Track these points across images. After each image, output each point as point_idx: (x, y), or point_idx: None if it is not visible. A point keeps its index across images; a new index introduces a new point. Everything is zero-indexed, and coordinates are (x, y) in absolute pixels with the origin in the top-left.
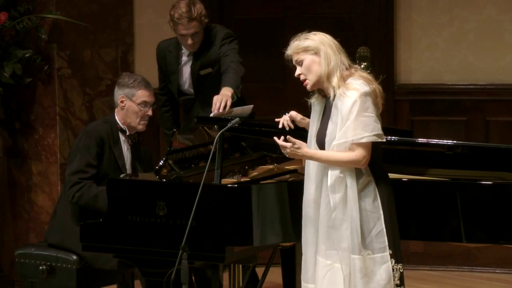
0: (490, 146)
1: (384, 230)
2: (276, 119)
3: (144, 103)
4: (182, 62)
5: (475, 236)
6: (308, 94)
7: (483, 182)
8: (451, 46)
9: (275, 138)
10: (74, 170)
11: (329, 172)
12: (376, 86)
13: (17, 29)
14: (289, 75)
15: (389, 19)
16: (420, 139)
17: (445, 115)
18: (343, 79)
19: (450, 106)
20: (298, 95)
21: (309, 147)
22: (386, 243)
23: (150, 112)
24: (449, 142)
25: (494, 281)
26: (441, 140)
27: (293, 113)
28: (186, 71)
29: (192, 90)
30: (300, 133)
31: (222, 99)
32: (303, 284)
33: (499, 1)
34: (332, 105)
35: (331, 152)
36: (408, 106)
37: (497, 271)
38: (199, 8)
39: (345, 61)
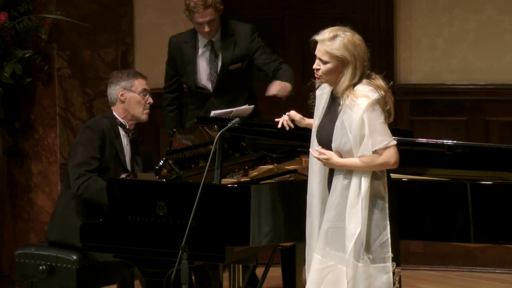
0: (490, 146)
1: (389, 240)
2: (276, 119)
3: (145, 91)
4: (199, 53)
5: (475, 236)
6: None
7: (483, 182)
8: (451, 46)
9: (311, 150)
10: (78, 162)
11: (362, 177)
12: (385, 92)
13: (17, 29)
14: None
15: (389, 19)
16: (420, 139)
17: (445, 115)
18: (353, 86)
19: (450, 106)
20: (297, 95)
21: (312, 142)
22: (390, 253)
23: (151, 100)
24: (449, 142)
25: (494, 281)
26: (441, 140)
27: (292, 112)
28: (203, 63)
29: (208, 85)
30: (300, 132)
31: (283, 87)
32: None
33: (499, 1)
34: (339, 107)
35: (359, 161)
36: (408, 106)
37: (497, 271)
38: None
39: (364, 72)
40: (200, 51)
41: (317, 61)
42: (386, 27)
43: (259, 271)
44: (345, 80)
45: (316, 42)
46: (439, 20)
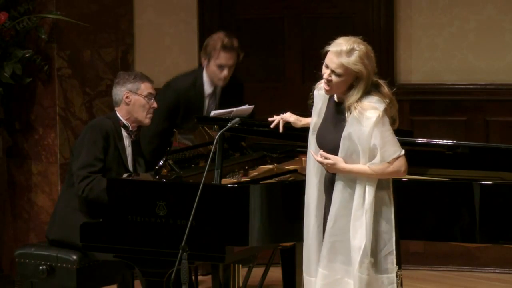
0: (490, 146)
1: (394, 251)
2: (270, 119)
3: (150, 95)
4: (205, 100)
5: (475, 236)
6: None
7: (483, 182)
8: (451, 46)
9: (313, 153)
10: (82, 164)
11: (367, 188)
12: (390, 99)
13: (17, 29)
14: (288, 75)
15: (389, 19)
16: (420, 139)
17: (445, 115)
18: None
19: (450, 106)
20: (297, 95)
21: (310, 142)
22: (394, 264)
23: (155, 104)
24: (449, 142)
25: (494, 281)
26: (441, 140)
27: (286, 114)
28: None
29: None
30: (300, 133)
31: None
32: (305, 277)
33: (499, 1)
34: (346, 118)
35: (367, 168)
36: (408, 106)
37: (497, 271)
38: (237, 41)
39: (372, 82)
40: (207, 100)
41: (328, 71)
42: (386, 27)
43: (259, 271)
44: (357, 94)
45: (326, 51)
46: (439, 20)
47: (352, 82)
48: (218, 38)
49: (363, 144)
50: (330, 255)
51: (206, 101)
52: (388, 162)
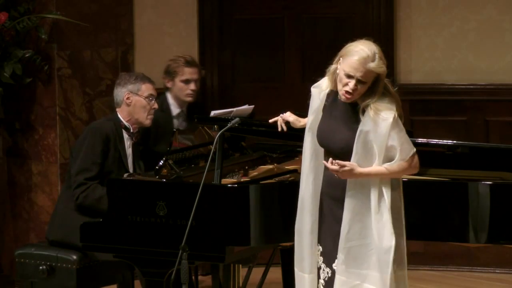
0: (490, 146)
1: (405, 249)
2: (270, 121)
3: (151, 96)
4: (175, 124)
5: (475, 236)
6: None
7: (483, 182)
8: (451, 46)
9: (324, 161)
10: (79, 169)
11: (383, 189)
12: (396, 97)
13: (17, 29)
14: (288, 75)
15: (389, 19)
16: (420, 139)
17: (445, 115)
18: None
19: (450, 106)
20: (297, 95)
21: (306, 139)
22: (405, 260)
23: (156, 105)
24: (449, 142)
25: (494, 281)
26: (441, 140)
27: (286, 114)
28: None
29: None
30: (298, 133)
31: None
32: (297, 272)
33: (499, 1)
34: (358, 117)
35: (384, 169)
36: (408, 106)
37: (497, 271)
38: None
39: None
40: (175, 121)
41: (353, 81)
42: (386, 27)
43: (259, 271)
44: (377, 95)
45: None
46: (439, 20)
47: (372, 84)
48: (178, 57)
49: (379, 144)
50: (348, 260)
51: (175, 121)
52: (406, 161)
